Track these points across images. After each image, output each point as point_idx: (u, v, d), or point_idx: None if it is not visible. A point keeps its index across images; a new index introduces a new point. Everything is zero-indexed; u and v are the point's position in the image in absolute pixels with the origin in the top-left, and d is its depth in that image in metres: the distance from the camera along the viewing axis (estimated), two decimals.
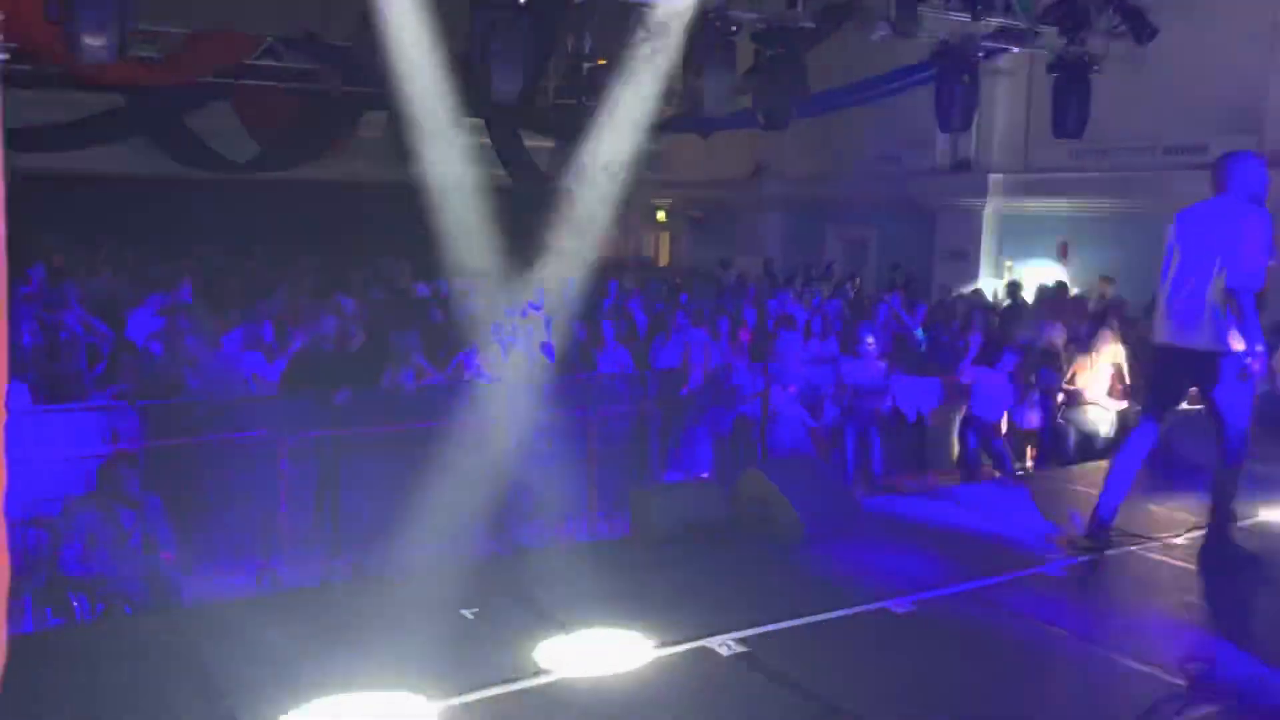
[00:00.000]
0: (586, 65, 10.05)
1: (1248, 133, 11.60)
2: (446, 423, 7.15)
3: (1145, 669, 4.00)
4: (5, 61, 10.95)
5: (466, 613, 4.46)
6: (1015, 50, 11.06)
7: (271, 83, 13.89)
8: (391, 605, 4.53)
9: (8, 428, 2.88)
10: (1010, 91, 14.64)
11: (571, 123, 15.84)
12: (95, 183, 15.62)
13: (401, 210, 18.20)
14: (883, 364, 8.87)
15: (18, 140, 13.78)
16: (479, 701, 3.70)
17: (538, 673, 3.95)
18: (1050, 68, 10.91)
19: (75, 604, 5.78)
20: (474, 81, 8.35)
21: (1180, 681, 3.87)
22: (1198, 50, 11.70)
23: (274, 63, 13.35)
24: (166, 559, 5.97)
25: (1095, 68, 10.77)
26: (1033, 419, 9.12)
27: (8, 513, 3.01)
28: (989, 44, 10.70)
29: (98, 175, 15.65)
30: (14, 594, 5.75)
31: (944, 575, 5.04)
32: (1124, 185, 12.96)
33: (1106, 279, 12.43)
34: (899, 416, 9.36)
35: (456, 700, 3.68)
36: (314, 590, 6.08)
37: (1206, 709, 3.68)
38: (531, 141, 17.21)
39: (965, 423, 9.01)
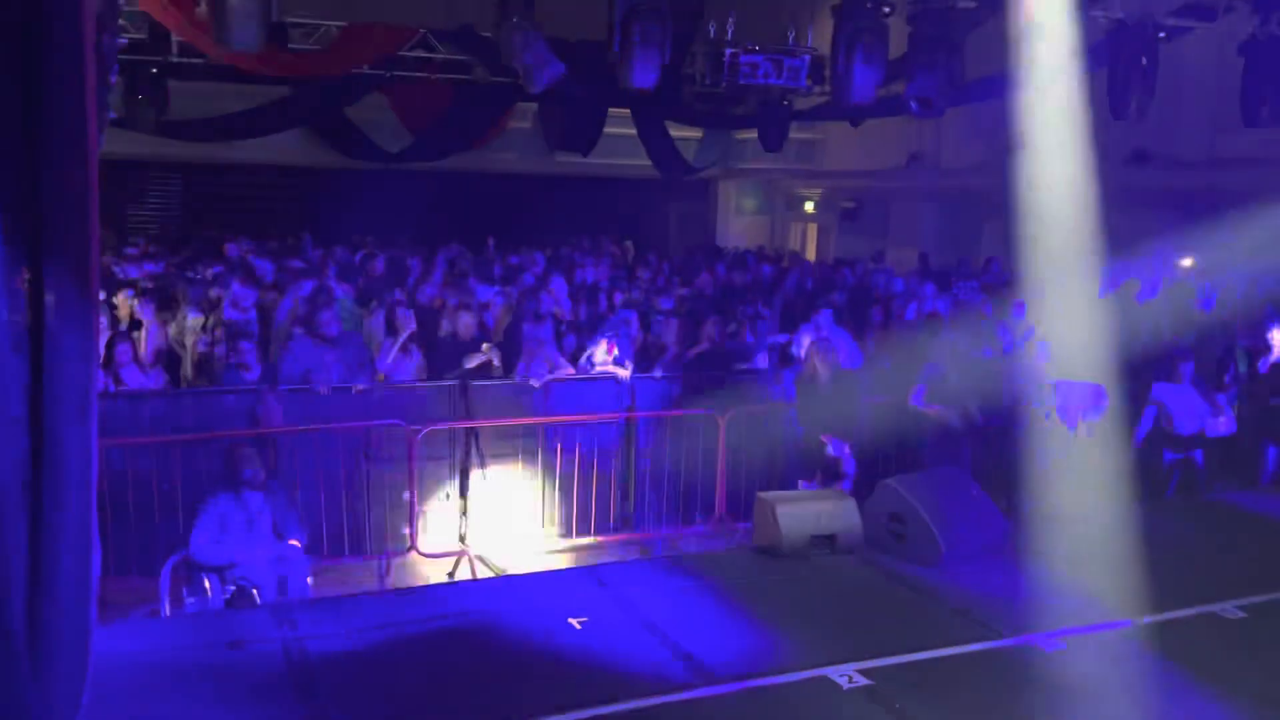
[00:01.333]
0: (730, 52, 9.73)
1: None
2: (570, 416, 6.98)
3: None
4: (160, 57, 11.63)
5: (574, 621, 4.26)
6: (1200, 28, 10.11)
7: (423, 74, 14.12)
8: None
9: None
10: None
11: (717, 111, 15.66)
12: (252, 171, 16.45)
13: (550, 201, 18.49)
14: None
15: (188, 131, 14.60)
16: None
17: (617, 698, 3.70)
18: (1242, 48, 9.93)
19: (208, 583, 5.89)
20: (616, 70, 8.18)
21: None
22: None
23: (426, 54, 13.56)
24: (294, 545, 6.01)
25: None
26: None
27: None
28: (1171, 22, 9.82)
29: (253, 164, 16.49)
30: (150, 573, 5.99)
31: (1102, 609, 4.51)
32: None
33: None
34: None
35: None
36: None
37: None
38: (678, 132, 17.03)
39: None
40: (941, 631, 4.28)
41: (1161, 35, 9.81)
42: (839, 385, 6.37)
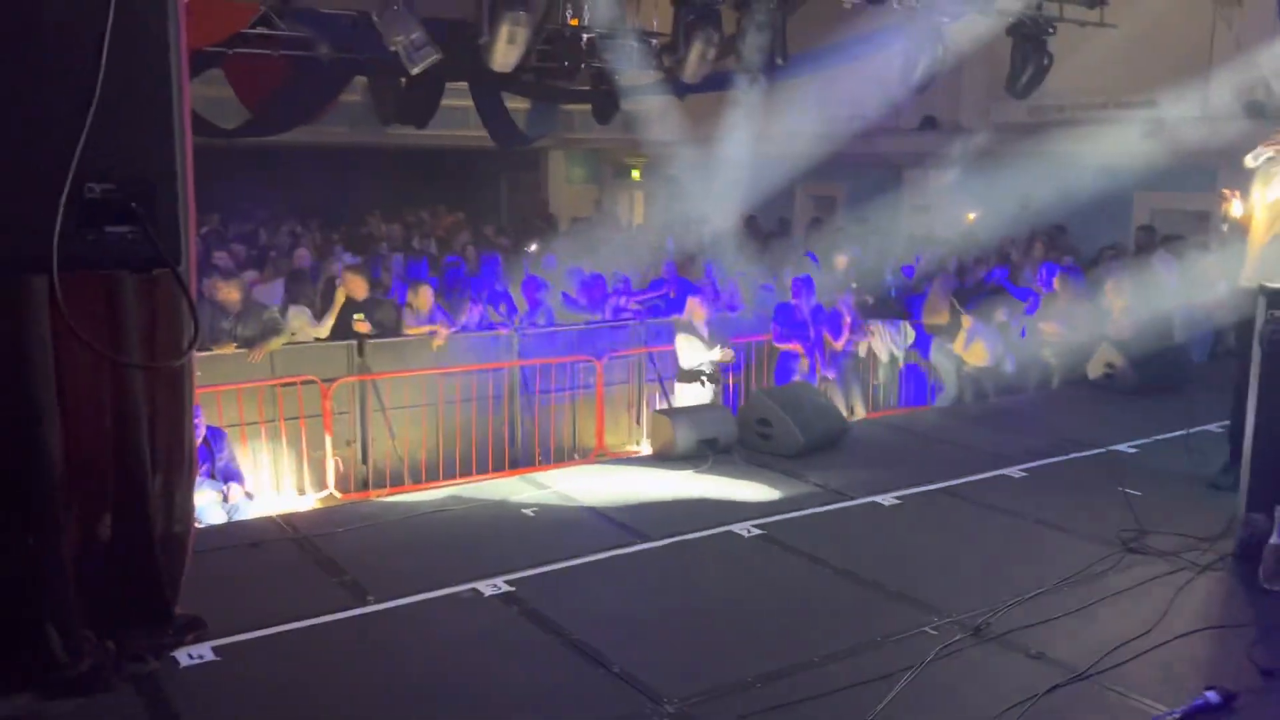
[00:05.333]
0: (567, 31, 10.70)
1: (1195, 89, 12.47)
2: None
3: None
4: None
5: (528, 511, 5.31)
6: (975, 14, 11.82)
7: (264, 50, 14.32)
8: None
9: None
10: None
11: (551, 86, 16.57)
12: None
13: (383, 173, 18.88)
14: None
15: None
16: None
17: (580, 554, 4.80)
18: (1009, 30, 11.73)
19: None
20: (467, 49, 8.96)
21: None
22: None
23: (266, 30, 13.78)
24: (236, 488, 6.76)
25: (1051, 30, 11.62)
26: None
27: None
28: (953, 8, 11.46)
29: None
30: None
31: (922, 478, 5.94)
32: None
33: None
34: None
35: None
36: None
37: None
38: (509, 103, 17.81)
39: None
40: (807, 498, 5.57)
41: (945, 20, 11.46)
42: None
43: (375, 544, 4.90)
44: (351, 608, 4.16)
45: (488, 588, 4.33)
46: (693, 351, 8.25)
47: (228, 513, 6.64)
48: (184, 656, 3.66)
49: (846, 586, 4.48)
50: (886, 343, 10.27)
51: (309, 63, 14.73)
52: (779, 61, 10.34)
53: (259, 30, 13.73)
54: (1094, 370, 8.64)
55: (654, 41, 11.03)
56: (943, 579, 4.55)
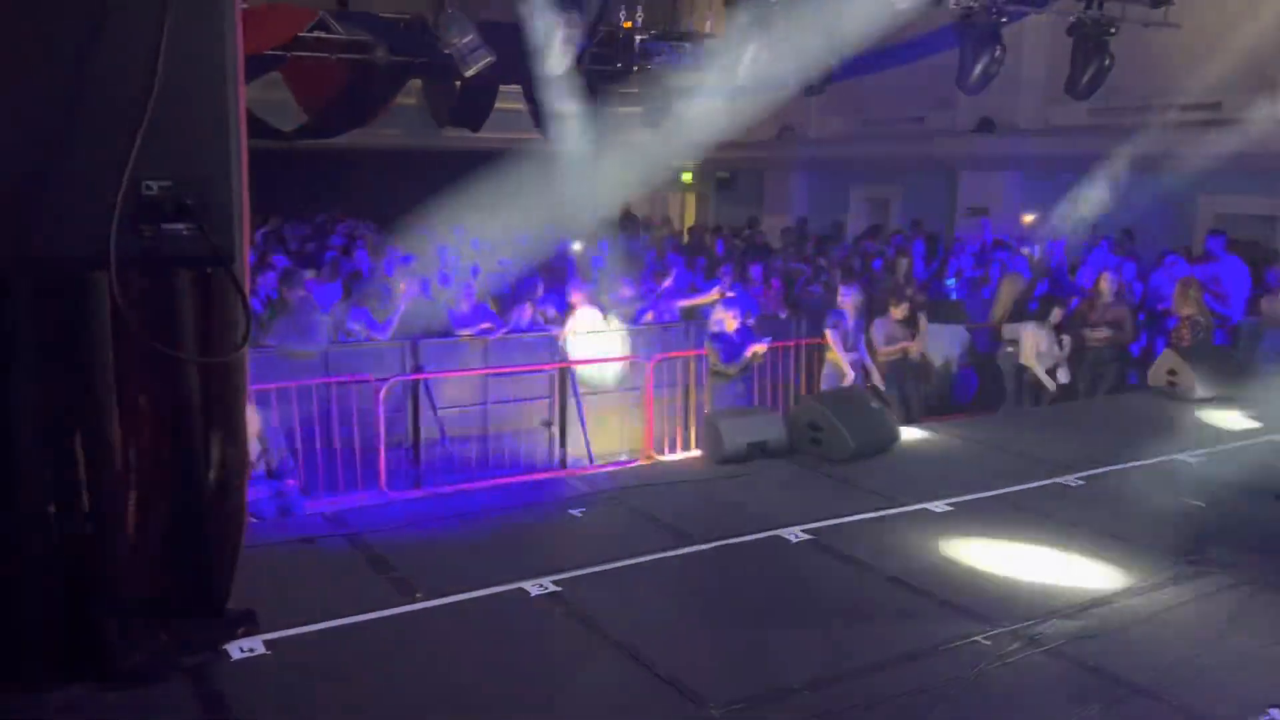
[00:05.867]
0: (620, 33, 10.73)
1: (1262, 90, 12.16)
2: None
3: None
4: None
5: (575, 512, 5.31)
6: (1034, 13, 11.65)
7: (322, 54, 14.55)
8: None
9: None
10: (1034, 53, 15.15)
11: (603, 89, 16.61)
12: None
13: (437, 176, 19.05)
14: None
15: None
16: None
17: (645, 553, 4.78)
18: (1069, 30, 11.52)
19: None
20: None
21: None
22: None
23: (324, 34, 14.01)
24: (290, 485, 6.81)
25: (1112, 30, 11.39)
26: None
27: None
28: (1010, 8, 11.31)
29: None
30: None
31: (975, 485, 5.84)
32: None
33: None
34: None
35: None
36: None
37: None
38: (565, 107, 17.86)
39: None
40: (857, 503, 5.50)
41: (1003, 20, 11.30)
42: None
43: (424, 541, 4.94)
44: (399, 605, 4.19)
45: (534, 587, 4.33)
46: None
47: (281, 509, 6.75)
48: (235, 649, 3.70)
49: (897, 594, 4.41)
50: (942, 346, 10.14)
51: (365, 66, 14.96)
52: (831, 64, 10.29)
53: (316, 34, 14.00)
54: (1155, 378, 8.44)
55: (704, 43, 11.00)
56: (995, 588, 4.47)
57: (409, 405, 8.56)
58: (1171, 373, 8.28)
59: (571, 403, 8.96)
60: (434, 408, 8.57)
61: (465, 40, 8.67)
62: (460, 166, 19.50)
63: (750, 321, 8.80)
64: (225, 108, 2.62)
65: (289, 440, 7.18)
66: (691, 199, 23.16)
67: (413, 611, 4.15)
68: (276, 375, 7.52)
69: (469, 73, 9.22)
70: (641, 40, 10.67)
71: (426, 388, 8.52)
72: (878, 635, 4.00)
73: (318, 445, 7.79)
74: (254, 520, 6.67)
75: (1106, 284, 9.23)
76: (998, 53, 11.13)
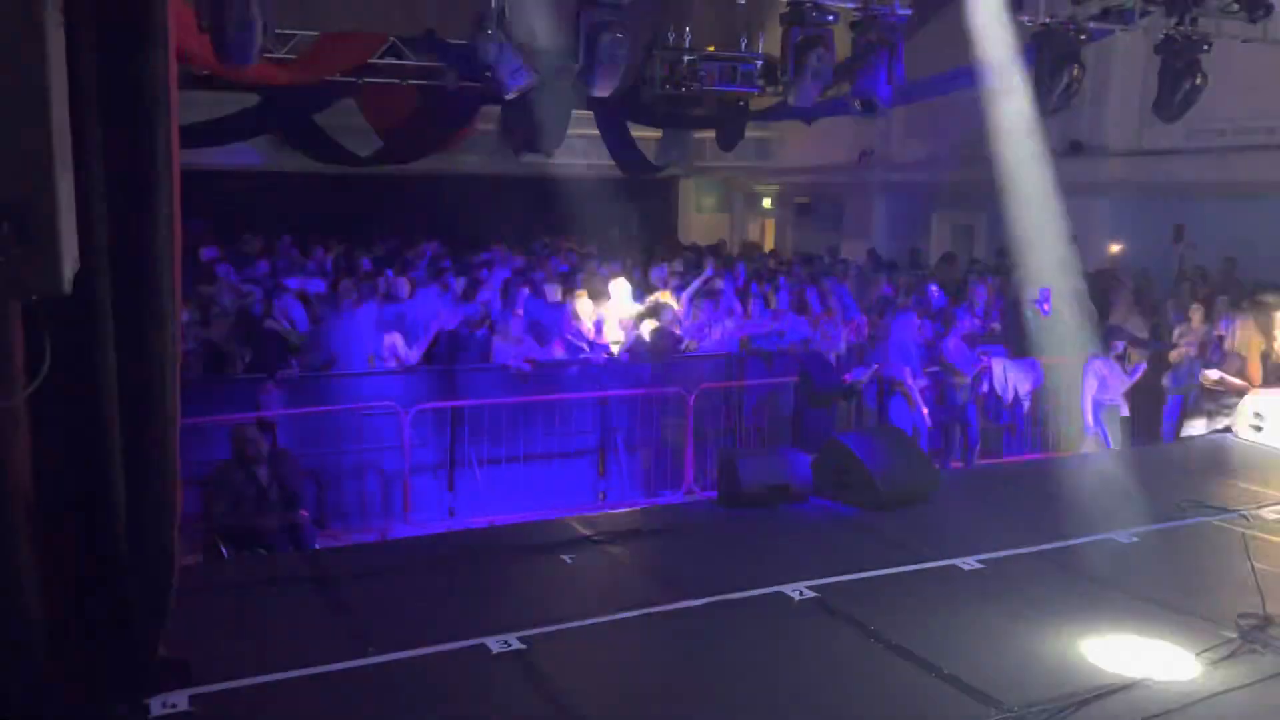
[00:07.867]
0: (688, 57, 10.44)
1: None
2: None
3: None
4: None
5: (566, 558, 4.96)
6: (1118, 31, 10.95)
7: (394, 79, 14.66)
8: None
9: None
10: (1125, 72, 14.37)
11: (676, 113, 16.39)
12: (229, 178, 16.79)
13: (514, 201, 19.10)
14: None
15: None
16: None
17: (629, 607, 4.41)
18: (1157, 48, 10.78)
19: (224, 552, 6.50)
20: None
21: None
22: None
23: (396, 60, 14.11)
24: (303, 515, 6.64)
25: (1205, 48, 10.61)
26: None
27: None
28: (1092, 25, 10.64)
29: (231, 171, 16.81)
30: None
31: (1015, 539, 5.30)
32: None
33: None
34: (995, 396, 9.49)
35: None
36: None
37: None
38: (638, 132, 17.71)
39: None
40: (876, 557, 5.03)
41: (1082, 38, 10.63)
42: None
43: (394, 588, 4.65)
44: (349, 659, 3.91)
45: (496, 644, 4.01)
46: None
47: (294, 540, 6.58)
48: (157, 705, 3.47)
49: (896, 665, 3.95)
50: (1012, 381, 9.53)
51: (437, 92, 15.03)
52: (896, 85, 9.80)
53: (388, 60, 14.12)
54: (1240, 423, 7.71)
55: (759, 64, 10.62)
56: (1013, 662, 3.97)
57: (441, 433, 8.36)
58: (1258, 416, 7.56)
59: (607, 434, 8.64)
60: (468, 436, 8.37)
61: (506, 62, 8.51)
62: (536, 192, 19.60)
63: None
64: (46, 131, 2.40)
65: (307, 466, 7.01)
66: (771, 225, 22.73)
67: (363, 667, 3.87)
68: (300, 401, 7.39)
69: (509, 96, 9.04)
70: (690, 60, 10.35)
71: (462, 416, 8.32)
72: (863, 712, 3.57)
73: (338, 473, 7.63)
74: (263, 552, 6.57)
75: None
76: (1076, 71, 10.45)
